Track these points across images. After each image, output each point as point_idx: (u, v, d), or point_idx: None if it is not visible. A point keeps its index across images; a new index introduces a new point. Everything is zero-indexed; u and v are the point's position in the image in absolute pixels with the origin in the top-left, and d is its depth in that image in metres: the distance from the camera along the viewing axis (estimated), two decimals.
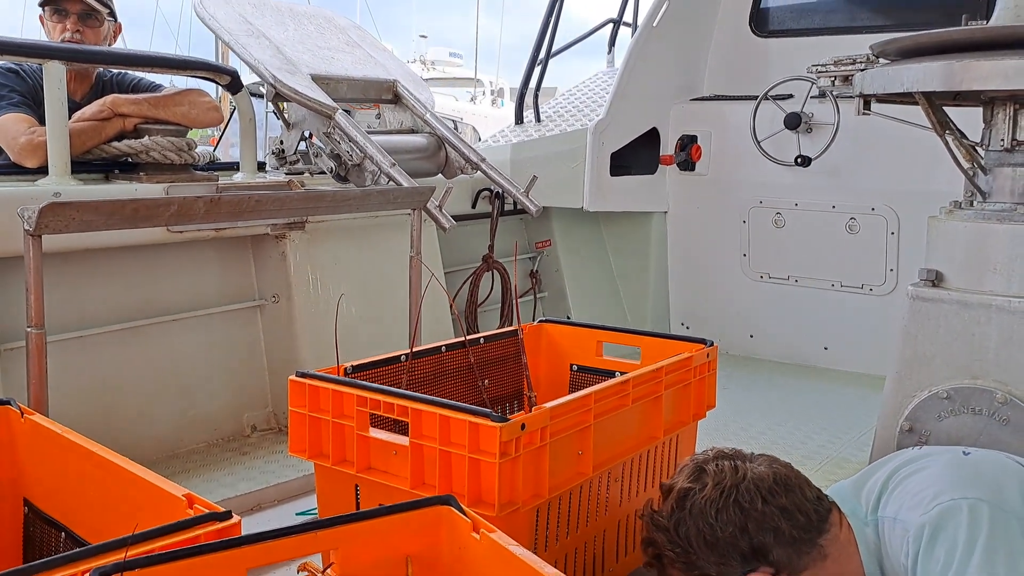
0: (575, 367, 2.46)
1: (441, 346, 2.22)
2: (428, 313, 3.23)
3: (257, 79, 3.23)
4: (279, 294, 3.18)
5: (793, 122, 4.06)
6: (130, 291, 2.83)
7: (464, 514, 1.31)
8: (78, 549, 1.17)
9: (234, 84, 2.93)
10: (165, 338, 2.91)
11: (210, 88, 3.42)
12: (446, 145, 3.51)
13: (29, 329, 1.94)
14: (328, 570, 1.24)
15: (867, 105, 2.50)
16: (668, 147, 4.53)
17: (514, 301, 4.00)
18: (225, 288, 3.13)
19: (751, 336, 4.43)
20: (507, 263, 4.25)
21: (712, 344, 2.21)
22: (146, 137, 2.75)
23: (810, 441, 3.20)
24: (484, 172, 3.48)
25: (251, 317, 3.21)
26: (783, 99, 4.09)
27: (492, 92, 30.19)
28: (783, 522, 1.56)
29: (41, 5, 3.05)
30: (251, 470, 2.74)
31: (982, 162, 2.30)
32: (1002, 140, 2.24)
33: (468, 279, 4.09)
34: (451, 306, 3.65)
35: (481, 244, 4.15)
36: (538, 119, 4.56)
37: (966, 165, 2.31)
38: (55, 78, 2.48)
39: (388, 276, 3.35)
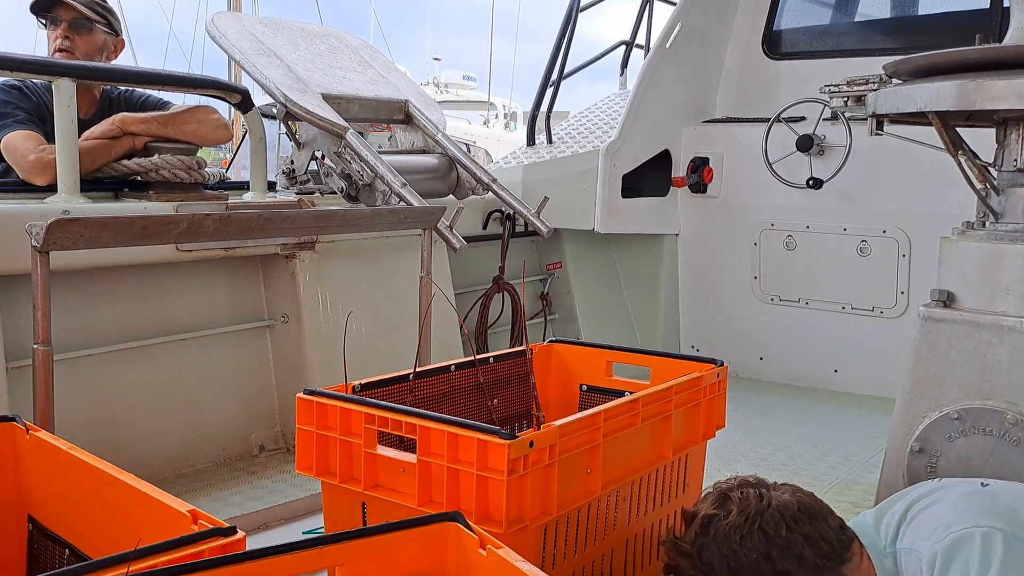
0: (585, 387, 2.44)
1: (450, 365, 2.20)
2: (438, 334, 3.23)
3: (269, 100, 3.25)
4: (288, 314, 3.18)
5: (805, 144, 4.05)
6: (139, 310, 2.83)
7: (471, 530, 1.29)
8: (79, 564, 1.15)
9: (244, 103, 2.95)
10: (174, 357, 2.91)
11: (222, 108, 3.44)
12: (457, 165, 3.51)
13: (36, 346, 1.94)
14: None
15: (880, 126, 2.49)
16: (680, 169, 4.53)
17: (522, 321, 3.98)
18: (234, 308, 3.13)
19: (761, 358, 4.40)
20: (518, 284, 4.25)
21: (722, 364, 2.19)
22: (156, 155, 2.77)
23: (819, 463, 3.17)
24: (495, 193, 3.48)
25: (260, 337, 3.21)
26: (795, 121, 4.09)
27: (505, 115, 30.34)
28: (806, 550, 1.56)
29: (34, 13, 3.05)
30: (258, 489, 2.72)
31: (995, 182, 2.29)
32: (1015, 160, 2.23)
33: (478, 300, 4.08)
34: (461, 326, 3.65)
35: (492, 266, 4.15)
36: (550, 140, 4.57)
37: (979, 186, 2.30)
38: (65, 95, 2.50)
39: (398, 297, 3.35)
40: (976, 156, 2.32)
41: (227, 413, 3.04)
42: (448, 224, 3.08)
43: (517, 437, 1.54)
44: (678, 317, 4.69)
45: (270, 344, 3.22)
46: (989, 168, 2.30)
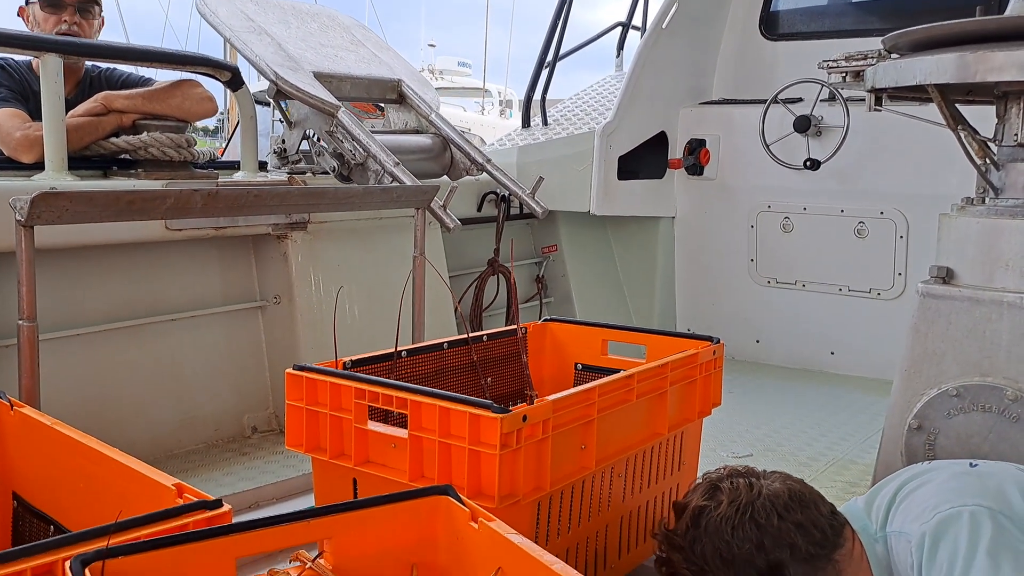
0: (580, 366, 2.41)
1: (443, 343, 2.17)
2: (432, 315, 3.19)
3: (262, 87, 3.21)
4: (281, 295, 3.15)
5: (802, 125, 4.02)
6: (129, 289, 2.79)
7: (462, 504, 1.26)
8: (59, 536, 1.13)
9: (234, 81, 2.90)
10: (165, 338, 2.88)
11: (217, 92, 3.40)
12: (451, 146, 3.48)
13: (21, 322, 1.91)
14: (319, 559, 1.20)
15: (879, 101, 2.45)
16: (676, 151, 4.49)
17: (514, 299, 3.95)
18: (226, 288, 3.10)
19: (757, 341, 4.38)
20: (513, 267, 4.22)
21: (718, 342, 2.17)
22: (144, 133, 2.72)
23: (816, 443, 3.15)
24: (489, 173, 3.44)
25: (252, 318, 3.18)
26: (793, 102, 4.05)
27: (501, 102, 30.19)
28: (799, 538, 1.55)
29: None
30: (250, 470, 2.70)
31: (995, 157, 2.26)
32: (1015, 135, 2.20)
33: (473, 283, 4.05)
34: (456, 308, 3.61)
35: (486, 248, 4.11)
36: (545, 123, 4.53)
37: (978, 161, 2.27)
38: (52, 72, 2.45)
39: (391, 278, 3.31)
40: (976, 132, 2.29)
41: (219, 394, 3.01)
42: (442, 204, 3.05)
43: (510, 411, 1.51)
44: (674, 300, 4.67)
45: (262, 325, 3.18)
46: (989, 143, 2.27)
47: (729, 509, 1.57)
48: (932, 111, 2.26)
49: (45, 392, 2.03)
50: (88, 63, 3.08)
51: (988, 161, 2.25)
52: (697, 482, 1.70)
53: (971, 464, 1.74)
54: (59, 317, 2.55)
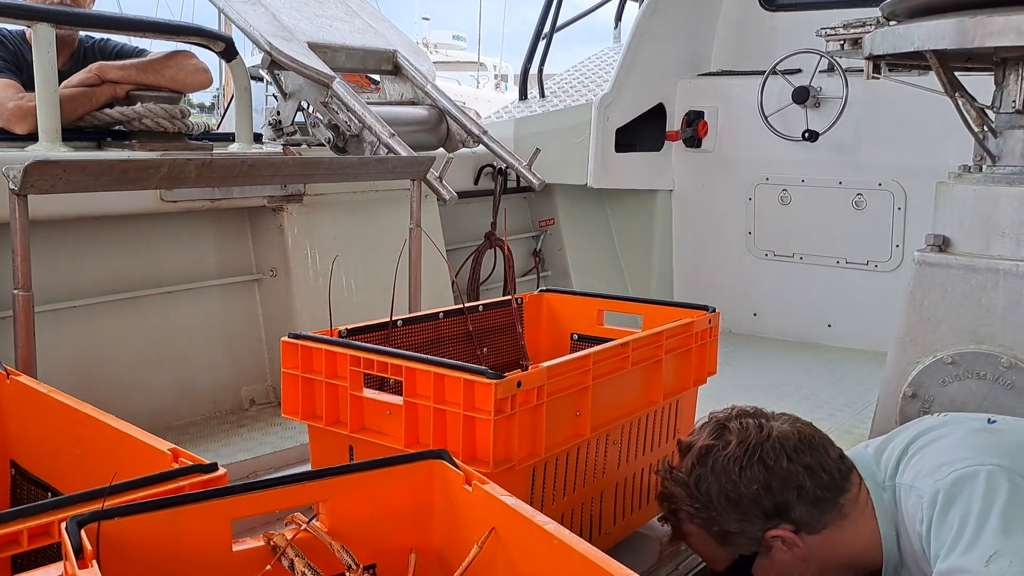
0: (576, 336, 2.41)
1: (439, 312, 2.17)
2: (428, 288, 3.19)
3: (256, 62, 3.19)
4: (277, 268, 3.14)
5: (801, 96, 4.00)
6: (124, 262, 2.79)
7: (457, 467, 1.27)
8: (55, 498, 1.13)
9: (228, 51, 2.88)
10: (161, 311, 2.87)
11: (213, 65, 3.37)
12: (447, 117, 3.46)
13: (16, 291, 1.90)
14: (313, 521, 1.20)
15: (876, 69, 2.44)
16: (674, 123, 4.47)
17: (508, 269, 3.94)
18: (222, 262, 3.09)
19: (755, 314, 4.38)
20: (510, 241, 4.21)
21: (714, 311, 2.17)
22: (138, 104, 2.71)
23: (812, 414, 3.10)
24: (486, 145, 3.42)
25: (249, 291, 3.17)
26: (791, 73, 4.03)
27: (496, 76, 29.97)
28: (807, 480, 1.54)
29: None
30: (248, 441, 2.71)
31: (992, 125, 2.25)
32: (1013, 101, 2.19)
33: (470, 256, 4.04)
34: (453, 282, 3.61)
35: (483, 222, 4.10)
36: (542, 95, 4.50)
37: (976, 128, 2.26)
38: (44, 41, 2.43)
39: (388, 252, 3.30)
40: (974, 99, 2.28)
41: (217, 367, 3.02)
42: (438, 175, 3.04)
43: (504, 377, 1.51)
44: (672, 274, 4.67)
45: (259, 298, 3.18)
46: (987, 110, 2.26)
47: (738, 449, 1.56)
48: (931, 81, 2.25)
49: (41, 366, 2.03)
50: (82, 34, 3.05)
51: (986, 128, 2.25)
52: (703, 421, 1.68)
53: (989, 420, 1.68)
54: (55, 290, 2.55)
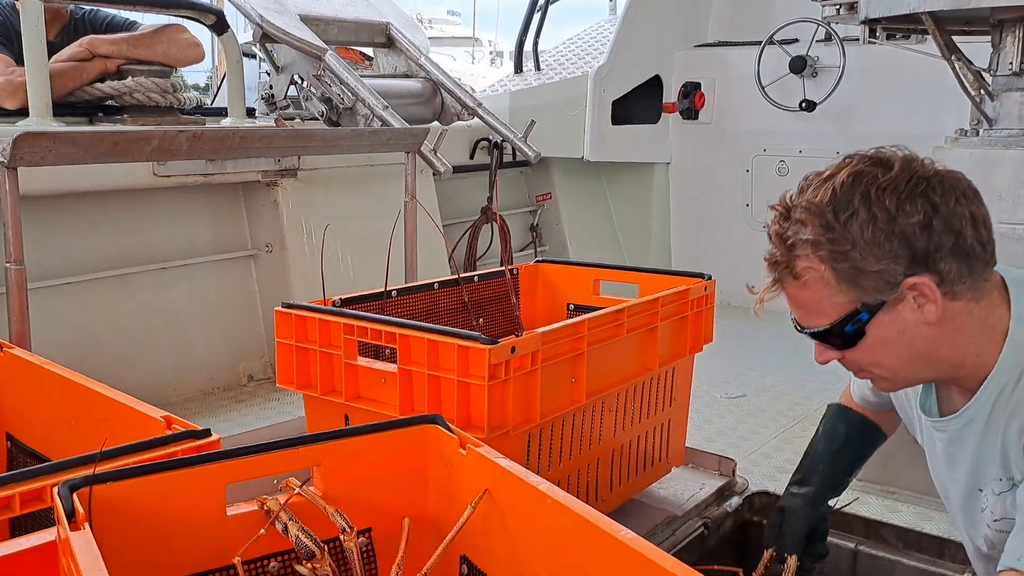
0: (572, 306, 2.40)
1: (434, 283, 2.17)
2: (424, 263, 3.18)
3: (248, 39, 3.16)
4: (272, 244, 3.14)
5: (798, 66, 3.97)
6: (118, 238, 2.78)
7: (451, 432, 1.27)
8: (48, 463, 1.13)
9: (219, 24, 2.85)
10: (157, 287, 2.87)
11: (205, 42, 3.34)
12: (442, 90, 3.44)
13: (8, 265, 1.90)
14: (307, 485, 1.20)
15: (873, 34, 2.42)
16: (671, 95, 4.45)
17: (502, 240, 3.93)
18: (217, 237, 3.09)
19: (752, 287, 4.36)
20: (507, 215, 4.19)
21: (710, 278, 2.16)
22: (129, 78, 2.69)
23: (809, 384, 3.16)
24: (481, 117, 3.41)
25: (245, 267, 3.17)
26: (788, 43, 4.00)
27: (491, 52, 29.74)
28: (969, 229, 1.28)
29: None
30: (245, 416, 2.71)
31: (989, 88, 2.23)
32: (1010, 64, 2.17)
33: (467, 232, 4.03)
34: (450, 256, 3.60)
35: (479, 197, 4.09)
36: (538, 67, 4.47)
37: (973, 92, 2.24)
38: (33, 15, 2.41)
39: (383, 227, 3.26)
40: (971, 62, 2.26)
41: (214, 343, 3.02)
42: (432, 148, 3.02)
43: (498, 343, 1.51)
44: (669, 247, 4.65)
45: (255, 274, 3.18)
46: (983, 73, 2.24)
47: (900, 178, 1.28)
48: (927, 48, 2.23)
49: (36, 343, 2.02)
50: (72, 6, 3.02)
51: (983, 92, 2.23)
52: (841, 157, 1.37)
53: None
54: (48, 267, 2.54)
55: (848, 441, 1.77)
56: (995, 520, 1.38)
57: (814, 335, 1.41)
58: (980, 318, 1.33)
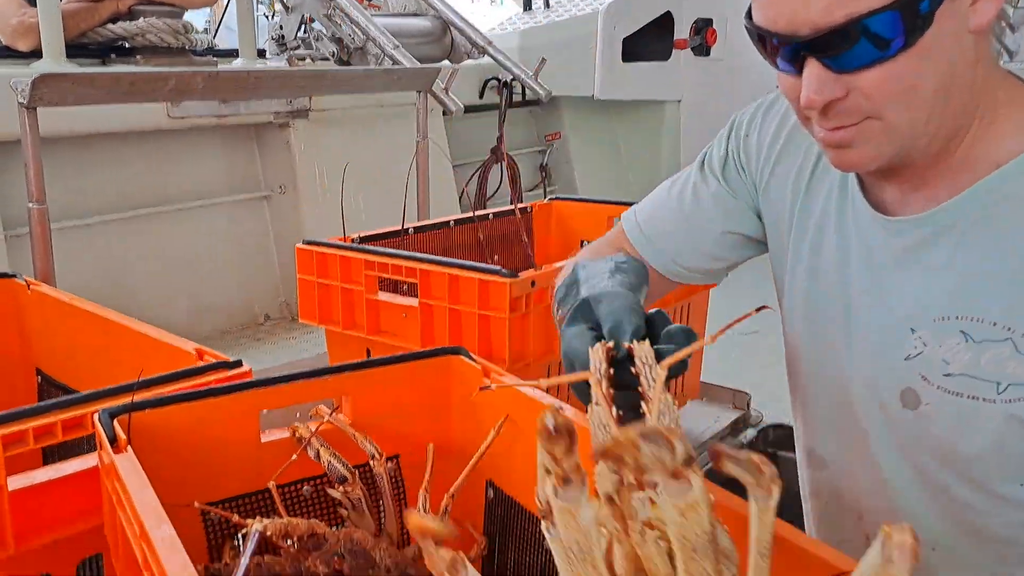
0: (585, 243, 2.42)
1: (449, 220, 2.19)
2: (436, 202, 3.20)
3: None
4: (285, 185, 3.15)
5: None
6: (134, 180, 2.80)
7: (474, 362, 1.30)
8: (89, 392, 1.17)
9: None
10: (172, 228, 2.89)
11: None
12: (451, 28, 3.41)
13: (31, 204, 1.92)
14: (335, 413, 1.24)
15: None
16: (683, 31, 4.39)
17: (513, 180, 3.93)
18: (231, 179, 3.10)
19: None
20: (516, 155, 4.19)
21: None
22: (141, 19, 2.68)
23: None
24: (491, 55, 3.39)
25: (258, 208, 3.19)
26: None
27: None
28: None
29: None
30: (264, 353, 2.76)
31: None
32: None
33: (477, 171, 4.03)
34: (463, 192, 3.61)
35: (489, 137, 4.07)
36: (547, 5, 4.42)
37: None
38: None
39: (395, 167, 3.30)
40: None
41: (229, 284, 3.05)
42: (444, 87, 3.01)
43: (518, 276, 1.53)
44: None
45: (268, 215, 3.20)
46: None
47: None
48: None
49: (58, 283, 2.06)
50: None
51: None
52: None
53: None
54: (65, 208, 2.57)
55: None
56: (946, 375, 0.94)
57: (849, 30, 0.84)
58: (1003, 75, 1.04)
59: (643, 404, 0.80)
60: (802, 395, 1.18)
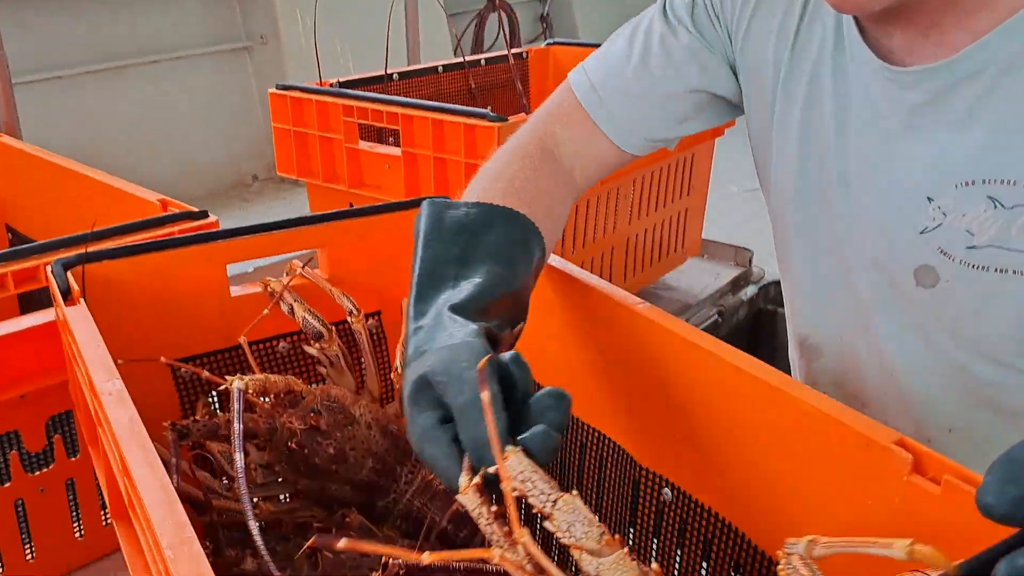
0: None
1: (438, 66, 2.05)
2: (428, 53, 3.03)
3: None
4: (266, 35, 2.98)
5: None
6: (105, 28, 2.64)
7: None
8: (40, 243, 1.09)
9: None
10: (151, 82, 2.75)
11: None
12: None
13: None
14: (307, 267, 1.16)
15: None
16: None
17: (506, 23, 3.75)
18: (209, 28, 2.93)
19: None
20: (515, 4, 3.97)
21: None
22: None
23: None
24: None
25: (240, 60, 3.03)
26: None
27: None
28: None
29: None
30: (251, 215, 2.68)
31: None
32: None
33: (472, 21, 3.83)
34: (457, 45, 3.43)
35: None
36: None
37: None
38: None
39: (382, 16, 3.11)
40: None
41: (214, 143, 2.94)
42: None
43: (507, 120, 1.42)
44: None
45: (251, 68, 3.04)
46: None
47: None
48: None
49: (33, 141, 1.95)
50: None
51: None
52: None
53: None
54: (34, 59, 2.42)
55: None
56: (970, 248, 0.83)
57: None
58: None
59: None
60: (795, 278, 1.05)
